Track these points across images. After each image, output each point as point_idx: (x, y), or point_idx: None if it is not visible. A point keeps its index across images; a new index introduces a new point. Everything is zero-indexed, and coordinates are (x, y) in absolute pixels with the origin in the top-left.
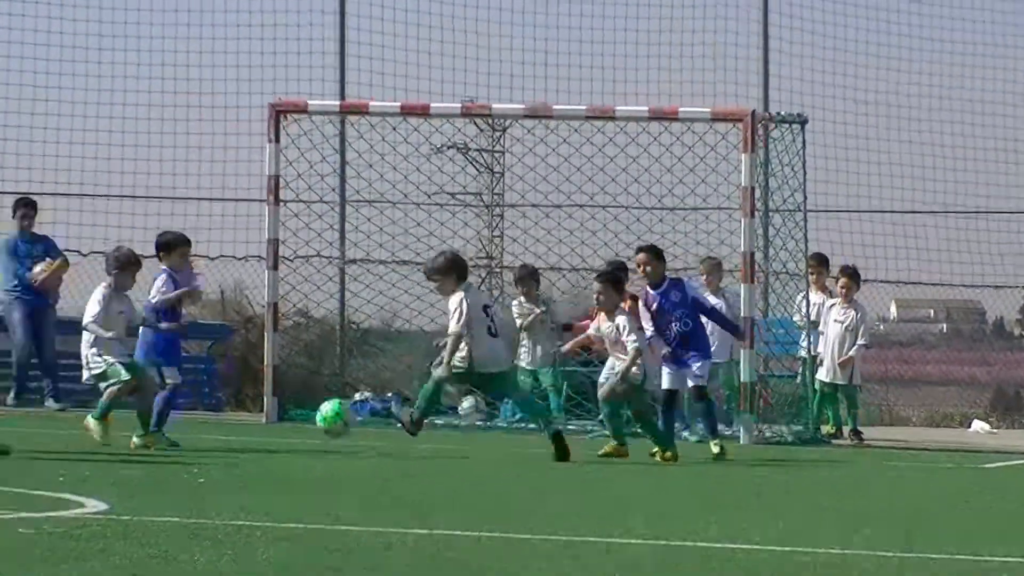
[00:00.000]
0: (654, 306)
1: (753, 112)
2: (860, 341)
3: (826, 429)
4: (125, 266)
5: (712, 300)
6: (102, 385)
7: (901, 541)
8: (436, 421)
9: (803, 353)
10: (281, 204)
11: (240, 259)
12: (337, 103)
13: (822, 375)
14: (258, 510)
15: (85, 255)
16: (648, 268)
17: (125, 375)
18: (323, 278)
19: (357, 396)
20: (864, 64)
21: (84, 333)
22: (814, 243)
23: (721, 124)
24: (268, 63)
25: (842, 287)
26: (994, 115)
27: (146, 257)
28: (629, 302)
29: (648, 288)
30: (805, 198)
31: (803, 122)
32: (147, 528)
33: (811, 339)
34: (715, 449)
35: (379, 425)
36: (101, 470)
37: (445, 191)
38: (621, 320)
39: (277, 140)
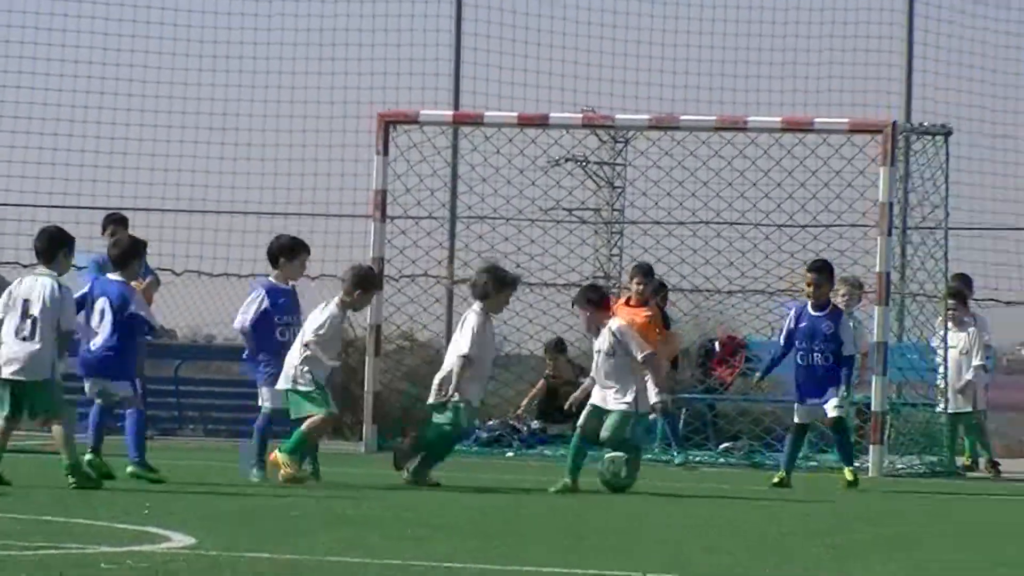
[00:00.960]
0: (802, 325)
1: (894, 123)
2: (976, 362)
3: (961, 461)
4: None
5: None
6: (295, 408)
7: None
8: (545, 452)
9: (940, 380)
10: (388, 220)
11: (343, 279)
12: (450, 113)
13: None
14: (356, 545)
15: (179, 274)
16: (817, 289)
17: (332, 408)
18: (430, 299)
19: None
20: (1016, 71)
21: (300, 344)
22: (954, 263)
23: (859, 136)
24: (378, 71)
25: (949, 308)
26: None
27: (242, 275)
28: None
29: (809, 308)
30: (947, 215)
31: (947, 133)
32: (236, 564)
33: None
34: (849, 477)
35: (485, 455)
36: (188, 502)
37: (562, 206)
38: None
39: (386, 152)
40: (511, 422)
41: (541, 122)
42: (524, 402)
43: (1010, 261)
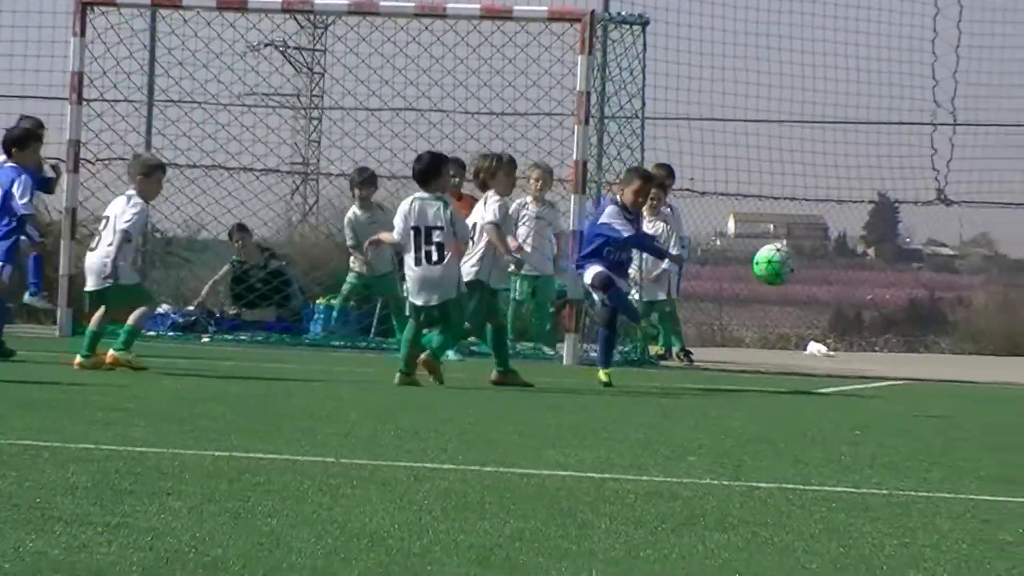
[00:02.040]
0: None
1: (592, 12)
2: (671, 252)
3: (654, 350)
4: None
5: (533, 209)
6: (116, 302)
7: (729, 469)
8: (241, 337)
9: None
10: (84, 103)
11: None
12: None
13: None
14: (47, 430)
15: None
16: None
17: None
18: (126, 183)
19: (158, 310)
20: None
21: (117, 237)
22: (651, 152)
23: (558, 24)
24: None
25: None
26: (837, 19)
27: None
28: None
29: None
30: (644, 104)
31: (644, 23)
32: None
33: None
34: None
35: (181, 340)
36: None
37: (260, 92)
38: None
39: (83, 34)
40: (208, 307)
41: (240, 6)
42: (206, 288)
43: (705, 152)
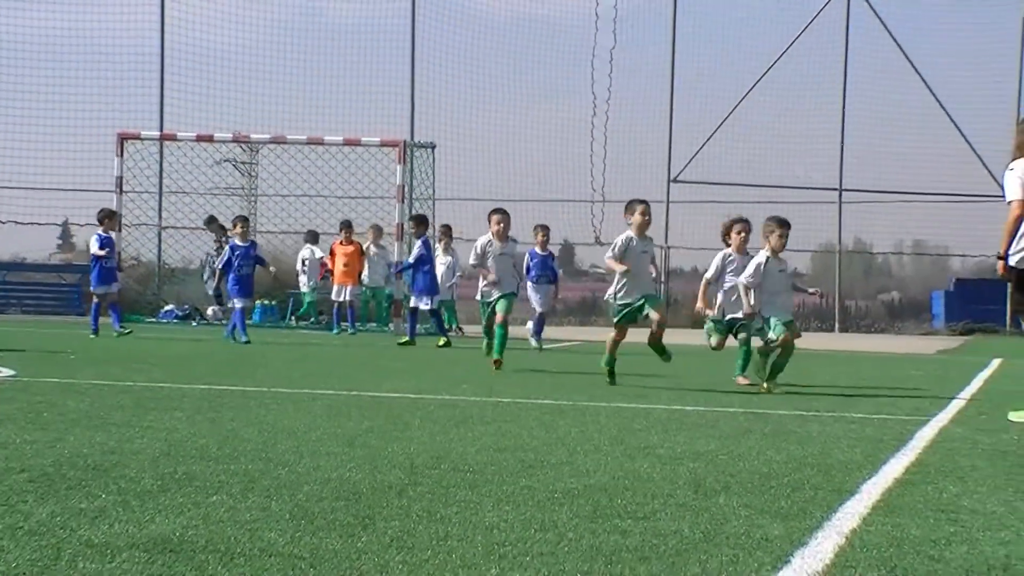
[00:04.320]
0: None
1: (404, 141)
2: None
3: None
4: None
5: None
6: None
7: None
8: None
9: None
10: None
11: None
12: None
13: None
14: (112, 376)
15: None
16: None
17: None
18: None
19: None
20: (494, 102)
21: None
22: (441, 215)
23: (387, 147)
24: None
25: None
26: None
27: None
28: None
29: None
30: (434, 191)
31: (433, 147)
32: (39, 385)
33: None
34: (440, 342)
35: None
36: (9, 350)
37: None
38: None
39: None
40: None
41: None
42: None
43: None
